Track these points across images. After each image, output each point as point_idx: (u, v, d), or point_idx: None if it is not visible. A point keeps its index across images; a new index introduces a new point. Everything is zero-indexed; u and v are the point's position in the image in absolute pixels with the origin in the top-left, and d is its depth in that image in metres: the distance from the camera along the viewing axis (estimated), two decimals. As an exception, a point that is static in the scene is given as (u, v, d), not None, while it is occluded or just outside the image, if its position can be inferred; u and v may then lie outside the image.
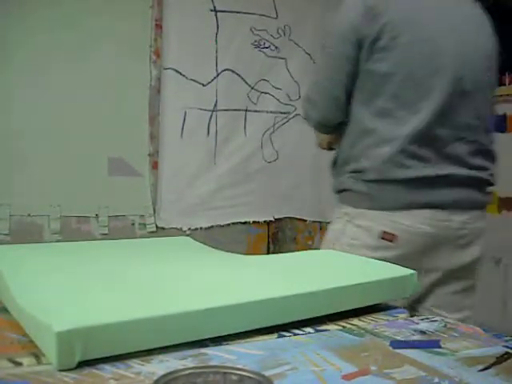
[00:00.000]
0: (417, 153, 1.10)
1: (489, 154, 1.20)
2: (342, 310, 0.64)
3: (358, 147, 1.16)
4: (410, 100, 1.11)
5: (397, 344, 0.55)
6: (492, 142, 1.22)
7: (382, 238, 1.10)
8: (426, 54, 1.11)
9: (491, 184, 1.21)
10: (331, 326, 0.61)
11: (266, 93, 2.52)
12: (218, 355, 0.50)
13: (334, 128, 1.26)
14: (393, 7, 1.11)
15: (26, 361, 0.48)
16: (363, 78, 1.15)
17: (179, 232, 2.22)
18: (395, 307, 0.71)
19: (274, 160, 2.57)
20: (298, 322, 0.60)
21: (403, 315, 0.67)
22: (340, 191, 1.22)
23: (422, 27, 1.12)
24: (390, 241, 1.10)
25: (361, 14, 1.12)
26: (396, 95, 1.11)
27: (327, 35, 1.24)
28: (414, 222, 1.10)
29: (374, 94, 1.13)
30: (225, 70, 2.39)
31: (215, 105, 2.37)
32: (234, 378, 0.40)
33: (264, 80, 2.51)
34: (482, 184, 1.18)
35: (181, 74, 2.26)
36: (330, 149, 1.36)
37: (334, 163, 1.26)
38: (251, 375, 0.40)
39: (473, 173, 1.15)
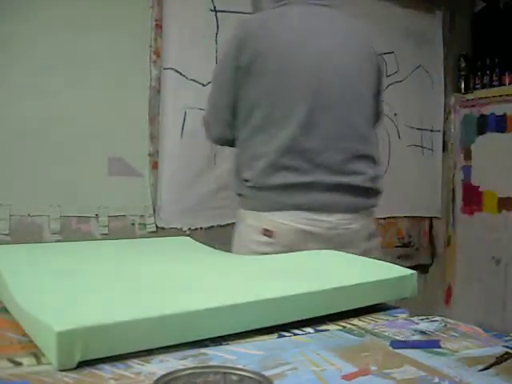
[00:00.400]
0: (286, 164, 1.24)
1: (367, 159, 1.30)
2: (342, 310, 0.64)
3: (242, 159, 1.33)
4: (278, 118, 1.26)
5: (397, 344, 0.55)
6: (370, 146, 1.33)
7: (264, 235, 1.25)
8: (291, 76, 1.25)
9: (370, 188, 1.30)
10: (331, 326, 0.61)
11: (265, 93, 2.51)
12: (217, 355, 0.50)
13: (232, 142, 1.41)
14: (263, 37, 1.27)
15: (26, 361, 0.48)
16: (242, 100, 1.31)
17: (179, 232, 2.22)
18: (395, 307, 0.71)
19: (274, 160, 2.57)
20: (298, 322, 0.60)
21: (403, 315, 0.67)
22: (236, 195, 1.38)
23: (289, 53, 1.26)
24: (270, 236, 1.25)
25: (237, 44, 1.28)
26: (267, 114, 1.26)
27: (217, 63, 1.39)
28: (288, 221, 1.24)
29: (250, 114, 1.29)
30: (225, 70, 2.38)
31: (215, 105, 2.36)
32: (234, 378, 0.40)
33: (264, 80, 2.51)
34: (356, 189, 1.27)
35: (181, 74, 2.25)
36: None
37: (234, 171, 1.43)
38: (251, 375, 0.40)
39: (345, 179, 1.26)
